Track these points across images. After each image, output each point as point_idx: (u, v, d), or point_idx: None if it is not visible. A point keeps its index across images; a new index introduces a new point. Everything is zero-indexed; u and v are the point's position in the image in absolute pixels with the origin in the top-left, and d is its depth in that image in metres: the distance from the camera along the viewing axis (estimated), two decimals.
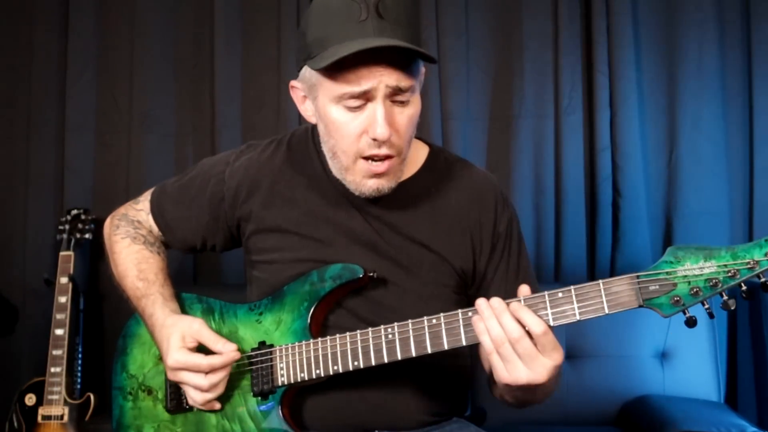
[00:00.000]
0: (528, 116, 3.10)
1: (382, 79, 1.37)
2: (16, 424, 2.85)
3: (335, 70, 1.38)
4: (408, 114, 1.44)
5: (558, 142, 3.08)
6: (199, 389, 1.48)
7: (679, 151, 3.04)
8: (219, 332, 1.58)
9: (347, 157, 1.47)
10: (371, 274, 1.50)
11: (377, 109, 1.40)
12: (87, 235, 3.00)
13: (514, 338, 1.27)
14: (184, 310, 1.64)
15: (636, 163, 3.01)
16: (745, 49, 3.05)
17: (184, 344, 1.48)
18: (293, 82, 1.54)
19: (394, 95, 1.41)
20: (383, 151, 1.44)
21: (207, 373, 1.47)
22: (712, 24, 3.02)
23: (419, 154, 1.62)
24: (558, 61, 3.07)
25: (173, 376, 1.51)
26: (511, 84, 3.12)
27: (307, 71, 1.46)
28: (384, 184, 1.48)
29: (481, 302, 1.31)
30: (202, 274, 3.19)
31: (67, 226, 3.00)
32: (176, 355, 1.47)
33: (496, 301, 1.29)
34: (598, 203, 3.05)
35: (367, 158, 1.45)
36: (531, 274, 1.64)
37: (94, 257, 3.15)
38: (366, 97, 1.40)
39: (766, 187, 3.00)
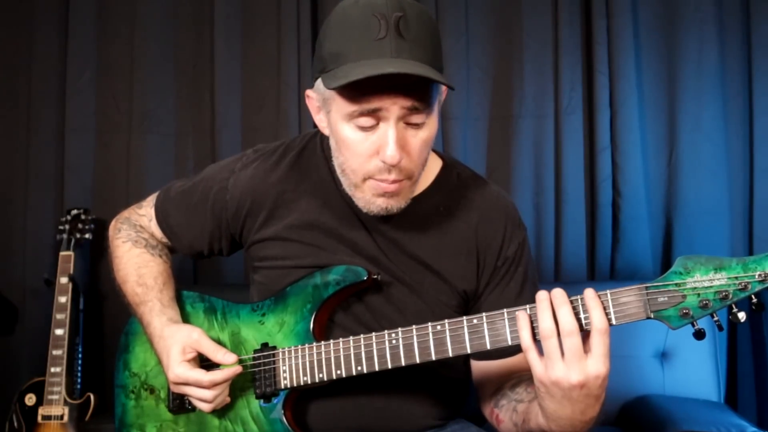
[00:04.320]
0: (528, 116, 3.09)
1: (396, 101, 1.31)
2: (16, 424, 2.84)
3: (350, 90, 1.32)
4: (422, 137, 1.39)
5: (558, 142, 3.07)
6: (204, 401, 1.48)
7: (679, 151, 3.04)
8: (221, 332, 1.59)
9: (356, 176, 1.42)
10: (375, 276, 1.50)
11: (389, 131, 1.34)
12: (87, 235, 3.00)
13: (566, 331, 1.22)
14: (185, 309, 1.64)
15: (636, 163, 3.01)
16: (745, 49, 3.04)
17: (184, 357, 1.47)
18: (308, 92, 1.48)
19: (408, 117, 1.35)
20: (392, 176, 1.39)
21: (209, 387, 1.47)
22: (712, 24, 3.01)
23: (432, 168, 1.57)
24: (558, 61, 3.07)
25: (176, 389, 1.51)
26: (511, 84, 3.12)
27: (321, 83, 1.39)
28: (393, 204, 1.44)
29: (541, 293, 1.26)
30: (202, 274, 3.19)
31: (67, 226, 2.99)
32: (177, 369, 1.46)
33: (558, 292, 1.25)
34: (598, 203, 3.05)
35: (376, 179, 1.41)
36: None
37: (94, 257, 3.15)
38: (378, 117, 1.35)
39: (766, 187, 3.00)
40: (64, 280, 2.90)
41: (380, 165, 1.38)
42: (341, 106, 1.37)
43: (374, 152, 1.38)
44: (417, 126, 1.38)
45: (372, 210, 1.46)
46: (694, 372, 2.68)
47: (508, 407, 1.47)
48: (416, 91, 1.33)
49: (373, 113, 1.34)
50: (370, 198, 1.44)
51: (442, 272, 1.54)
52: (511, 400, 1.47)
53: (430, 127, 1.40)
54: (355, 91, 1.32)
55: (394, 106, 1.33)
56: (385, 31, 1.30)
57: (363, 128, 1.37)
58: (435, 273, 1.54)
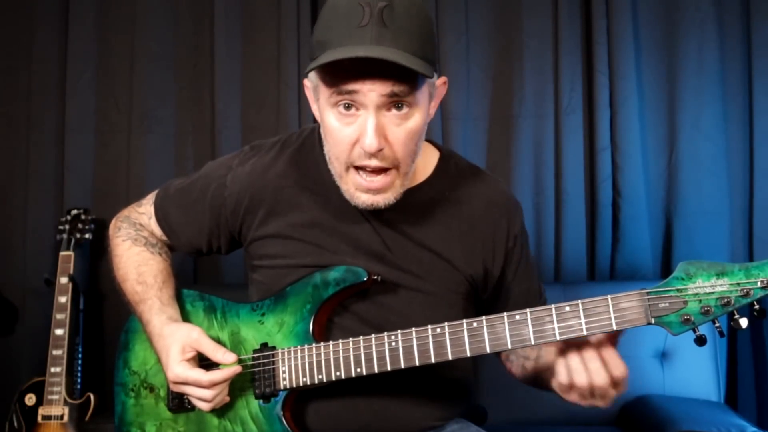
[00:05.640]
0: (528, 116, 3.09)
1: (373, 88, 1.33)
2: (16, 424, 2.84)
3: (329, 75, 1.35)
4: (407, 128, 1.39)
5: (558, 142, 3.08)
6: (203, 401, 1.48)
7: (679, 151, 3.04)
8: (221, 331, 1.59)
9: (339, 164, 1.44)
10: (375, 277, 1.49)
11: (369, 119, 1.36)
12: (87, 235, 3.00)
13: None
14: (185, 307, 1.64)
15: (636, 163, 3.01)
16: (745, 49, 3.04)
17: (183, 356, 1.47)
18: (306, 81, 1.50)
19: (390, 106, 1.37)
20: (374, 163, 1.39)
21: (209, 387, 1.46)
22: (712, 24, 3.01)
23: (429, 159, 1.59)
24: (558, 61, 3.07)
25: (175, 388, 1.51)
26: (511, 84, 3.12)
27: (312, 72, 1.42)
28: (379, 201, 1.44)
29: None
30: (202, 273, 3.19)
31: (67, 226, 2.99)
32: (176, 369, 1.46)
33: None
34: (598, 203, 3.05)
35: (358, 168, 1.42)
36: (537, 269, 1.68)
37: (94, 257, 3.15)
38: (358, 104, 1.36)
39: (766, 187, 3.00)
40: (64, 280, 2.90)
41: (361, 152, 1.39)
42: (324, 92, 1.39)
43: (356, 140, 1.39)
44: (400, 116, 1.38)
45: (358, 204, 1.47)
46: (694, 372, 2.68)
47: (518, 363, 1.62)
48: (394, 78, 1.34)
49: (350, 96, 1.35)
50: (353, 192, 1.45)
51: (451, 259, 1.54)
52: (519, 357, 1.61)
53: (415, 118, 1.40)
54: (335, 76, 1.35)
55: (371, 93, 1.34)
56: (367, 19, 1.32)
57: (345, 115, 1.38)
58: (445, 260, 1.54)
